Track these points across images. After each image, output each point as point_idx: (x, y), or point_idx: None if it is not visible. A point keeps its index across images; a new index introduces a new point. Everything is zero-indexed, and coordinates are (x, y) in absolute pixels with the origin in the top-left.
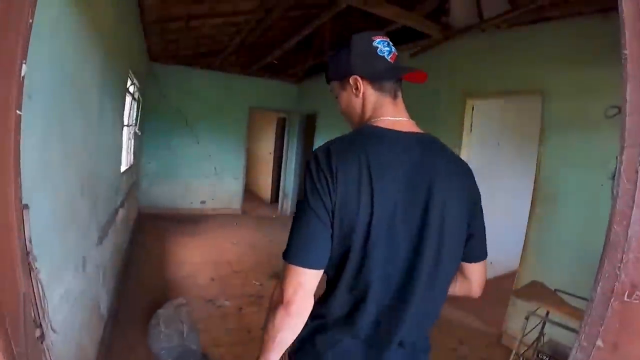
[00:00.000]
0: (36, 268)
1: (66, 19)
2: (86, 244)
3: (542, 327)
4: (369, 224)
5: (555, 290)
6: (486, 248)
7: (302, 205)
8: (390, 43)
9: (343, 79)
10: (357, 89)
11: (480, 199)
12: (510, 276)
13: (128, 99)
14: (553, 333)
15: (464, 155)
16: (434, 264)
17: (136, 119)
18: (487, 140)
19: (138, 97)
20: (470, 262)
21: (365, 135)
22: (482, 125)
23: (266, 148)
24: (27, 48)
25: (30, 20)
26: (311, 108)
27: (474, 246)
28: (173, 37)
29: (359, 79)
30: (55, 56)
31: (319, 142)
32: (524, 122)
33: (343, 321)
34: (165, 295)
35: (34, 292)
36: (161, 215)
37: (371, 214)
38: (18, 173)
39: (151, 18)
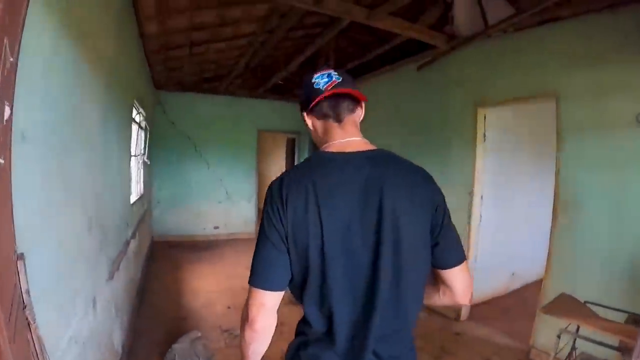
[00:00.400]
0: (34, 322)
1: (62, 54)
2: (96, 281)
3: (574, 342)
4: (322, 245)
5: (586, 302)
6: (461, 252)
7: (260, 232)
8: (332, 73)
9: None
10: (306, 123)
11: (442, 204)
12: (533, 286)
13: (134, 128)
14: (585, 346)
15: (478, 165)
16: (393, 275)
17: (144, 148)
18: (502, 148)
19: (145, 126)
20: (445, 268)
21: (315, 162)
22: (496, 134)
23: (277, 169)
24: (12, 89)
25: (12, 59)
26: None
27: (444, 252)
28: (177, 65)
29: (305, 114)
30: (52, 93)
31: None
32: (539, 128)
33: (322, 337)
34: (181, 327)
35: (35, 349)
36: (175, 243)
37: (322, 236)
38: (10, 221)
39: (153, 47)
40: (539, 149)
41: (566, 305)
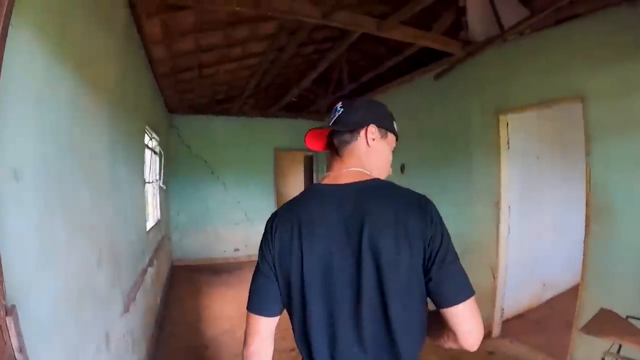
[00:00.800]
0: None
1: (58, 82)
2: (109, 316)
3: None
4: (302, 278)
5: (628, 317)
6: (463, 289)
7: (257, 263)
8: (337, 108)
9: None
10: None
11: (438, 235)
12: (565, 295)
13: (148, 154)
14: None
15: (503, 174)
16: (380, 313)
17: (160, 173)
18: (527, 154)
19: (160, 151)
20: (442, 306)
21: (305, 195)
22: (519, 140)
23: (295, 188)
24: None
25: None
26: None
27: (439, 289)
28: (188, 87)
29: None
30: (48, 124)
31: None
32: (566, 131)
33: None
34: (202, 356)
35: None
36: (195, 267)
37: (301, 269)
38: None
39: (163, 70)
40: (566, 154)
41: (606, 322)
